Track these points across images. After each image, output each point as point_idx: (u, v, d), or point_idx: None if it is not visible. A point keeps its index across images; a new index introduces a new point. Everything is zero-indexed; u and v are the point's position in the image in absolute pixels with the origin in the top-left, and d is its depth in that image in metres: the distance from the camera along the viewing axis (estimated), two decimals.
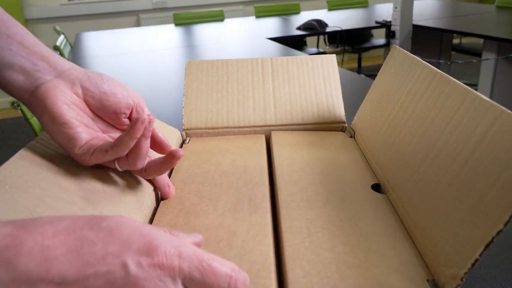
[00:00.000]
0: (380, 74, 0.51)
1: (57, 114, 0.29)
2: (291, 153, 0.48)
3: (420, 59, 0.43)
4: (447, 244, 0.28)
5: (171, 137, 0.51)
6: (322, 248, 0.32)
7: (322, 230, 0.34)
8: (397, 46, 0.49)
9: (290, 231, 0.34)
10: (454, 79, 0.35)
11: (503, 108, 0.28)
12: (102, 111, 0.33)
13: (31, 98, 0.30)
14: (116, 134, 0.35)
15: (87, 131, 0.31)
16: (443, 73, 0.37)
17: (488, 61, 1.97)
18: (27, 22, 2.95)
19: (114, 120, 0.34)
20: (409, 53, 0.45)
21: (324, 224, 0.34)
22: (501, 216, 0.25)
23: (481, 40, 2.15)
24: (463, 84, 0.34)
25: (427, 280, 0.29)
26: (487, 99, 0.30)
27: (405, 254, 0.31)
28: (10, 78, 0.30)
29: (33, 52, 0.30)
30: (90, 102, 0.32)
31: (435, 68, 0.39)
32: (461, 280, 0.26)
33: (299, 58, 0.57)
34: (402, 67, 0.45)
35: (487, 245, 0.25)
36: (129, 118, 0.35)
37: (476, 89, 2.09)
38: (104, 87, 0.32)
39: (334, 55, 0.58)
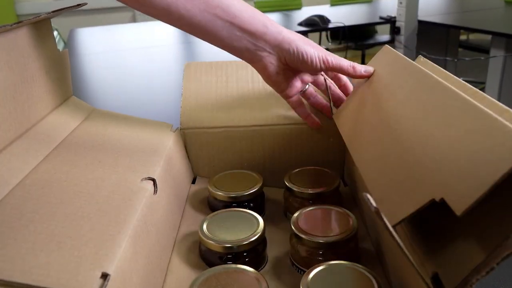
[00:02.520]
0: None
1: (270, 76, 0.46)
2: None
3: (410, 60, 0.38)
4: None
5: (161, 131, 0.50)
6: None
7: None
8: (388, 46, 0.46)
9: None
10: (441, 81, 0.31)
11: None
12: (297, 72, 0.48)
13: (255, 65, 0.46)
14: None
15: (285, 85, 0.48)
16: (432, 74, 0.33)
17: (496, 58, 1.93)
18: (19, 18, 2.91)
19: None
20: (398, 53, 0.41)
21: None
22: None
23: (489, 37, 2.10)
24: (454, 88, 0.29)
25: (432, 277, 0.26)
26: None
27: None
28: (240, 54, 0.44)
29: (251, 34, 0.42)
30: (289, 67, 0.46)
31: (423, 69, 0.34)
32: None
33: None
34: (392, 69, 0.41)
35: None
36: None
37: (483, 88, 2.04)
38: (297, 63, 0.44)
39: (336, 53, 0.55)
